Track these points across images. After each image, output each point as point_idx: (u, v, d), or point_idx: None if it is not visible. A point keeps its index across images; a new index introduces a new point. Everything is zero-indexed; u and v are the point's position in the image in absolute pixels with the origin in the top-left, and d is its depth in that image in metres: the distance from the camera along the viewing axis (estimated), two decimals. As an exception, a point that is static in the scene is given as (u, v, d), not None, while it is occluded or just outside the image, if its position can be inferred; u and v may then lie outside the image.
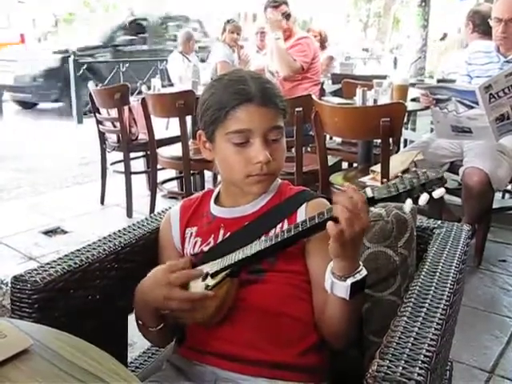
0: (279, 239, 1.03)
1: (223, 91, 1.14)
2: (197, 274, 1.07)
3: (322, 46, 6.24)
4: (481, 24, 3.54)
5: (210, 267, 1.10)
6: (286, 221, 1.15)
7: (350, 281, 0.98)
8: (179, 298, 1.05)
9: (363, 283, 1.00)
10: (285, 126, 1.20)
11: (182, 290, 1.06)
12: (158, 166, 3.65)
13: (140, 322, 1.16)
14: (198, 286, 1.08)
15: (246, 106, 1.11)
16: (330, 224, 0.95)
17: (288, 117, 1.21)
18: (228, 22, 5.59)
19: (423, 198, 0.93)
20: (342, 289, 0.99)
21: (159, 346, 1.38)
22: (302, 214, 1.15)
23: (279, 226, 1.14)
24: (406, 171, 1.01)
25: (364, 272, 1.00)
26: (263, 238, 1.06)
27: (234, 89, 1.12)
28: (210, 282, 1.07)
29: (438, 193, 0.93)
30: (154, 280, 1.09)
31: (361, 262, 1.01)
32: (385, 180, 0.99)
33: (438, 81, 4.06)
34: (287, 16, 4.04)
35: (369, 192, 0.96)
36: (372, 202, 0.96)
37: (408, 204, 0.94)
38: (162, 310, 1.10)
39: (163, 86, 4.26)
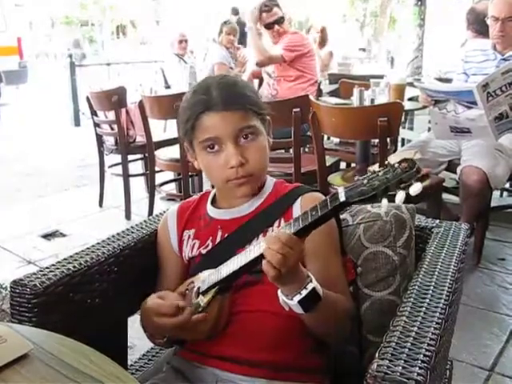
0: (261, 251, 0.98)
1: (188, 103, 1.17)
2: (186, 320, 1.06)
3: (323, 44, 6.23)
4: (474, 22, 3.55)
5: (200, 281, 1.11)
6: (282, 218, 1.15)
7: (296, 298, 0.97)
8: (175, 334, 1.09)
9: (314, 294, 0.98)
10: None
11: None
12: (156, 168, 3.65)
13: (147, 334, 1.18)
14: (191, 304, 1.09)
15: (207, 115, 1.12)
16: (264, 265, 0.94)
17: (267, 115, 1.21)
18: (225, 23, 5.59)
19: (399, 197, 0.85)
20: (294, 306, 0.99)
21: (168, 348, 1.38)
22: (297, 209, 1.15)
23: (276, 223, 1.15)
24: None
25: (311, 285, 0.98)
26: (247, 249, 1.04)
27: (195, 100, 1.15)
28: (202, 301, 1.08)
29: (415, 189, 0.84)
30: (148, 314, 1.10)
31: (309, 274, 0.99)
32: (356, 178, 0.91)
33: (435, 79, 4.06)
34: (280, 19, 4.05)
35: (341, 196, 0.89)
36: (347, 204, 0.90)
37: (384, 205, 0.87)
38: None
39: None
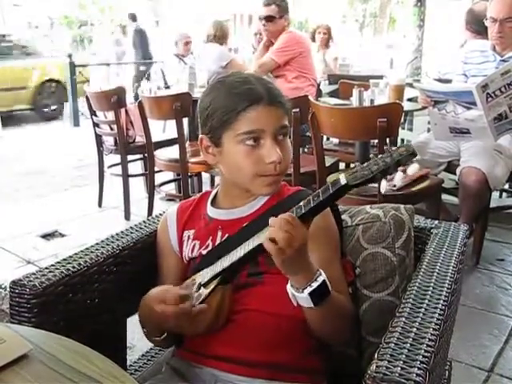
0: (260, 241, 0.99)
1: (229, 93, 1.14)
2: (188, 309, 1.05)
3: (327, 45, 6.23)
4: (473, 23, 3.54)
5: (201, 277, 1.11)
6: None
7: (306, 291, 0.98)
8: (176, 324, 1.06)
9: (324, 288, 0.99)
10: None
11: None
12: (156, 169, 3.65)
13: (145, 330, 1.17)
14: (192, 297, 1.08)
15: (255, 107, 1.11)
16: (268, 245, 0.94)
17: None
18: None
19: (398, 178, 0.91)
20: (304, 299, 0.99)
21: (165, 348, 1.37)
22: None
23: None
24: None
25: (321, 278, 0.99)
26: (247, 241, 1.04)
27: (241, 90, 1.13)
28: (203, 292, 1.07)
29: (413, 169, 0.91)
30: (150, 306, 1.09)
31: (317, 268, 1.00)
32: (357, 165, 0.94)
33: (434, 80, 4.06)
34: (270, 17, 4.02)
35: (342, 180, 0.93)
36: (348, 188, 0.93)
37: (384, 186, 0.92)
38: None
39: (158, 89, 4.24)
